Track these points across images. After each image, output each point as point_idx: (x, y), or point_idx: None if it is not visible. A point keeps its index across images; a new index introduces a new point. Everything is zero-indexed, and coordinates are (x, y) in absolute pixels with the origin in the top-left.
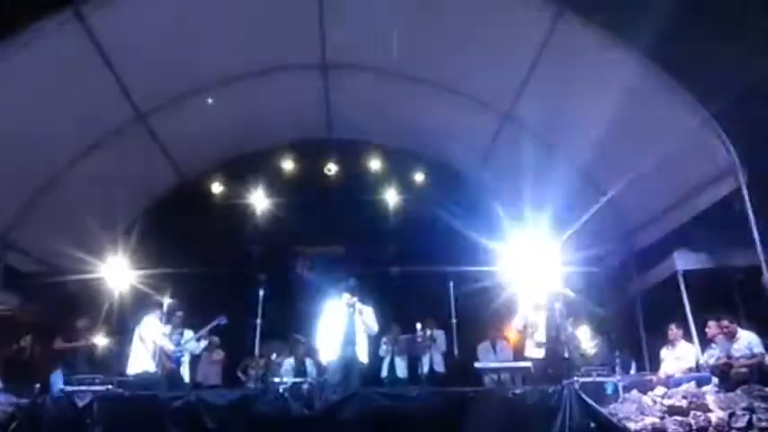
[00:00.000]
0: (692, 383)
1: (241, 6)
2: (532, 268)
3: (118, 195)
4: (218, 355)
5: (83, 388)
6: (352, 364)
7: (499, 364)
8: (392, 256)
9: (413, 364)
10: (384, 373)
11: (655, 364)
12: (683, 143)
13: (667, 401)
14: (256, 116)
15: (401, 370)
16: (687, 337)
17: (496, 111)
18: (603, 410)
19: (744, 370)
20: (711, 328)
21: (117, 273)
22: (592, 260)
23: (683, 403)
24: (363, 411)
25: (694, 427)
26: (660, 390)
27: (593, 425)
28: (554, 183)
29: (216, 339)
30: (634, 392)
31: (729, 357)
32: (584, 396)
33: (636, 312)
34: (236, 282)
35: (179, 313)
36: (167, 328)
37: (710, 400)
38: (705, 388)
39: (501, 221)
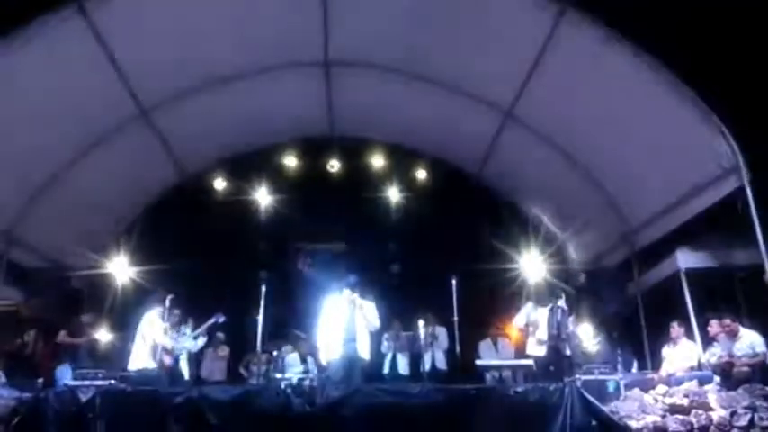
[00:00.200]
0: (694, 382)
1: (244, 4)
2: (534, 266)
3: (120, 192)
4: (224, 351)
5: (86, 382)
6: (354, 360)
7: (501, 362)
8: (393, 254)
9: (415, 361)
10: (386, 369)
11: (656, 362)
12: (686, 141)
13: (669, 400)
14: (259, 113)
15: (403, 367)
16: (689, 335)
17: (498, 109)
18: (605, 408)
19: (746, 369)
20: (713, 326)
21: (119, 269)
22: (593, 258)
23: (685, 402)
24: (365, 408)
25: (696, 426)
26: (662, 388)
27: (594, 423)
28: (555, 180)
29: (221, 335)
30: (636, 391)
31: (731, 356)
32: (585, 394)
33: (637, 310)
34: (237, 278)
35: (176, 311)
36: (167, 325)
37: (712, 398)
38: (707, 386)
39: (502, 219)
